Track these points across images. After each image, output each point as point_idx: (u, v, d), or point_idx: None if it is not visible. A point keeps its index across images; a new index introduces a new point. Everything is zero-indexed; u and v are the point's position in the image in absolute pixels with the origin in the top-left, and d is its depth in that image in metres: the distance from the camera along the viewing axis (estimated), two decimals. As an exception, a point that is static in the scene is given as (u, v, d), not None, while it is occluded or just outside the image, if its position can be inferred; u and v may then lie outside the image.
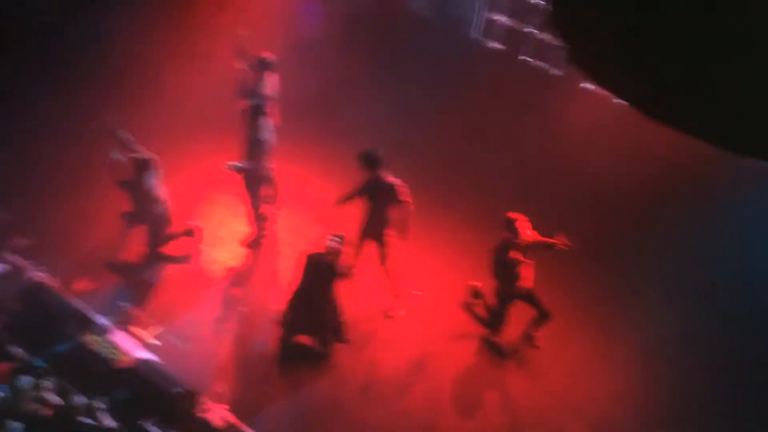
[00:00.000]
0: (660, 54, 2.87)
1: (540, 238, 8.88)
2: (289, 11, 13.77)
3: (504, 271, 8.92)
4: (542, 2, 13.43)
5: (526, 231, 8.77)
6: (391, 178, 9.19)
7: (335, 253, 8.59)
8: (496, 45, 14.08)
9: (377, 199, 9.25)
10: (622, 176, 11.84)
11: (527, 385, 9.24)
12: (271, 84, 10.44)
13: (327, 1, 14.25)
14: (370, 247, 9.57)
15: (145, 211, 9.83)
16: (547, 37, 13.36)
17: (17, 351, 8.33)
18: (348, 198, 9.36)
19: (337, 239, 8.60)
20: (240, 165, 9.75)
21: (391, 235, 9.41)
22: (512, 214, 8.76)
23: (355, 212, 9.46)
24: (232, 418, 8.34)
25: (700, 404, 9.15)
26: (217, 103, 11.52)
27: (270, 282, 9.99)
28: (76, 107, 12.05)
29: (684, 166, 11.62)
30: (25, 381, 7.64)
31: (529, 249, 8.87)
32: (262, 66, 10.38)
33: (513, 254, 8.76)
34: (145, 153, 9.68)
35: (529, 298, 9.16)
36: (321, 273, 8.63)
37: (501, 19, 13.96)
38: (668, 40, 2.83)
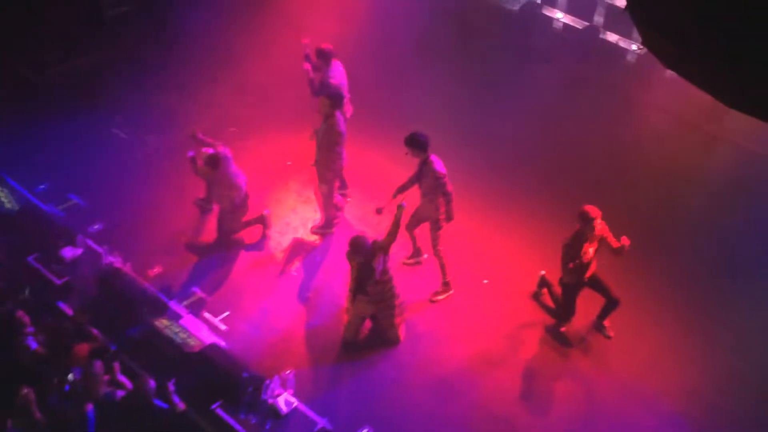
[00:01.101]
0: (746, 43, 2.76)
1: (609, 237, 8.75)
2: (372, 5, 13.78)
3: (573, 262, 8.78)
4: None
5: (600, 226, 8.62)
6: (436, 166, 9.15)
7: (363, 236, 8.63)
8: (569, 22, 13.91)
9: (425, 184, 9.25)
10: (704, 168, 11.53)
11: (597, 376, 9.07)
12: (336, 74, 10.45)
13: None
14: (424, 232, 9.61)
15: (219, 198, 9.97)
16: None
17: (94, 333, 8.55)
18: (404, 187, 9.40)
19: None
20: (317, 159, 9.83)
21: (441, 220, 9.39)
22: (589, 209, 8.56)
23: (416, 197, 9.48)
24: (298, 403, 8.42)
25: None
26: (295, 94, 11.57)
27: (338, 269, 10.03)
28: (156, 96, 12.38)
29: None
30: (98, 364, 7.82)
31: (597, 244, 8.76)
32: (324, 57, 10.42)
33: (585, 247, 8.63)
34: (218, 147, 9.80)
35: (595, 284, 9.03)
36: (361, 256, 8.60)
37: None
38: (752, 27, 2.72)
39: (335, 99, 9.77)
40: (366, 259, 8.54)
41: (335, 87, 10.30)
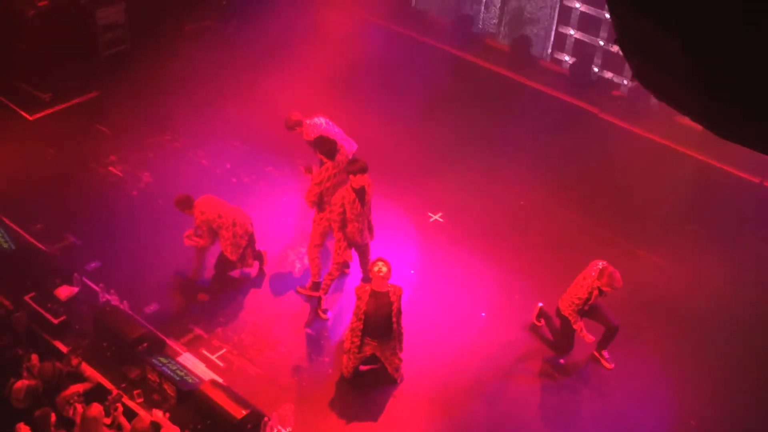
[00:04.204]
0: (732, 73, 2.79)
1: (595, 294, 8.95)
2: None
3: (578, 305, 8.90)
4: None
5: (613, 285, 8.74)
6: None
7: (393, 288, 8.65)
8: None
9: (368, 206, 9.52)
10: (697, 197, 11.70)
11: (596, 408, 9.04)
12: (308, 131, 10.46)
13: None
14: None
15: (231, 247, 9.85)
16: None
17: (90, 372, 8.50)
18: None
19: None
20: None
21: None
22: (611, 268, 8.72)
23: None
24: (297, 441, 8.35)
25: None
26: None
27: (336, 304, 9.99)
28: (151, 133, 12.46)
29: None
30: (97, 406, 7.74)
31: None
32: (297, 124, 10.55)
33: (596, 301, 8.90)
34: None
35: (593, 312, 9.10)
36: (381, 303, 8.64)
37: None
38: (737, 56, 2.75)
39: (321, 146, 9.74)
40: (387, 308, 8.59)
41: (318, 138, 10.18)
